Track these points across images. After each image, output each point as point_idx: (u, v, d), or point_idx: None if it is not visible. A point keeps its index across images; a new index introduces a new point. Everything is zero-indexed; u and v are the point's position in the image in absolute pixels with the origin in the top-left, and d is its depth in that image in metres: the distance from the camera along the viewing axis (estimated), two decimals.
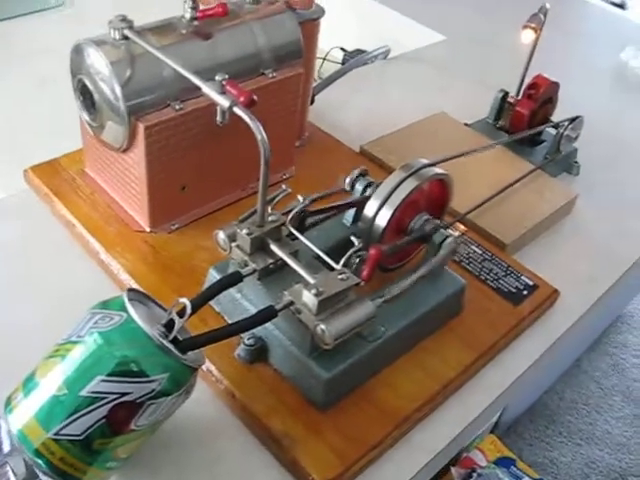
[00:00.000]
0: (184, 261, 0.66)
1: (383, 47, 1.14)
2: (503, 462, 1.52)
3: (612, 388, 1.80)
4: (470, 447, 1.40)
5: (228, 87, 0.51)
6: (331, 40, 1.39)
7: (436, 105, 0.98)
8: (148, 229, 0.69)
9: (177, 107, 0.63)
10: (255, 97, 0.50)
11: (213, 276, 0.60)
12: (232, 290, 0.57)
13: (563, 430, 1.68)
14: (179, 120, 0.63)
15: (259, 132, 0.50)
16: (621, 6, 4.46)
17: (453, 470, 1.34)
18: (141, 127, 0.61)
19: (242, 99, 0.50)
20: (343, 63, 1.36)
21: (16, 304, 0.64)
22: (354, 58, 1.28)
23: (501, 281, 0.69)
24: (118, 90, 0.60)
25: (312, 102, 0.83)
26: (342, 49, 1.40)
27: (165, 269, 0.66)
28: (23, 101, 1.04)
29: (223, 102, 0.51)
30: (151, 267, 0.65)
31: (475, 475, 1.46)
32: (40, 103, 1.03)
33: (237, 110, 0.51)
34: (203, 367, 0.56)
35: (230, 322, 0.60)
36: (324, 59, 1.40)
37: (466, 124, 0.94)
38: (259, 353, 0.57)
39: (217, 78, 0.52)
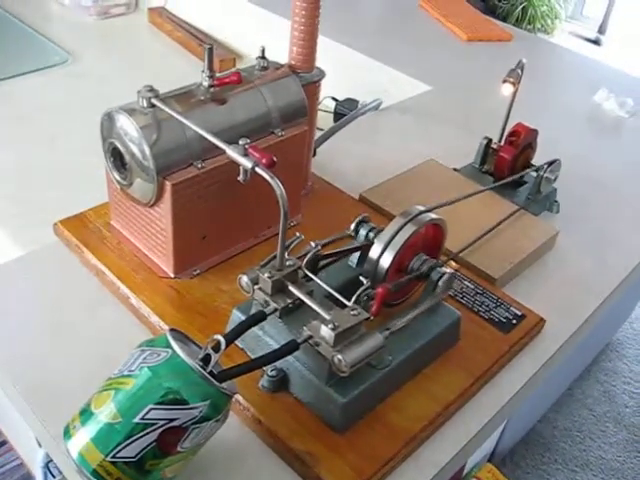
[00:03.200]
0: (207, 303, 0.74)
1: (375, 100, 1.23)
2: None
3: (604, 414, 1.85)
4: (468, 477, 1.45)
5: (250, 150, 0.59)
6: (323, 90, 1.48)
7: (426, 151, 1.07)
8: (172, 275, 0.76)
9: (199, 166, 0.70)
10: (275, 159, 0.58)
11: (237, 316, 0.67)
12: (255, 328, 0.64)
13: (558, 457, 1.72)
14: (201, 177, 0.71)
15: (279, 189, 0.58)
16: (596, 42, 4.60)
17: None
18: (168, 185, 0.69)
19: (264, 161, 0.58)
20: (335, 111, 1.45)
21: (57, 348, 0.70)
22: (349, 109, 1.37)
23: (492, 312, 0.77)
24: (147, 151, 0.67)
25: (314, 154, 0.91)
26: (334, 98, 1.48)
27: (190, 311, 0.73)
28: (35, 158, 1.10)
29: (246, 163, 0.59)
30: (177, 309, 0.73)
31: None
32: (52, 159, 1.09)
33: (259, 170, 0.58)
34: None
35: (252, 356, 0.67)
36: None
37: (455, 169, 1.02)
38: (281, 383, 0.64)
39: (240, 142, 0.60)
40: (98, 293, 0.77)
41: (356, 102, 1.43)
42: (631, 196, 1.10)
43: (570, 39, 4.52)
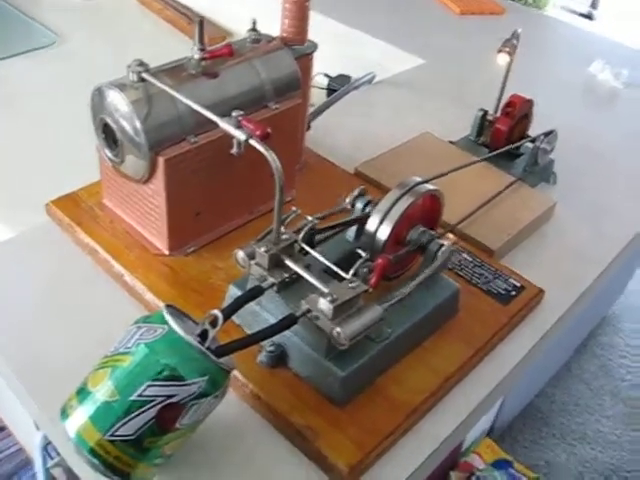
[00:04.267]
0: (202, 280, 0.73)
1: (369, 74, 1.22)
2: (501, 464, 1.57)
3: (601, 388, 1.86)
4: (467, 452, 1.45)
5: (244, 122, 0.58)
6: (315, 66, 1.46)
7: (421, 125, 1.06)
8: (167, 252, 0.75)
9: (192, 140, 0.69)
10: (269, 130, 0.57)
11: (233, 291, 0.67)
12: (251, 303, 0.63)
13: (556, 432, 1.73)
14: (194, 152, 0.70)
15: (274, 161, 0.57)
16: (588, 17, 4.56)
17: (452, 475, 1.40)
18: (161, 160, 0.68)
19: (258, 132, 0.57)
20: (328, 88, 1.43)
21: (51, 329, 0.70)
22: (342, 85, 1.35)
23: (491, 284, 0.76)
24: (139, 126, 0.66)
25: (308, 128, 0.90)
26: (326, 75, 1.47)
27: (185, 288, 0.72)
28: (25, 140, 1.09)
29: (240, 135, 0.58)
30: (172, 287, 0.72)
31: (474, 478, 1.52)
32: (42, 141, 1.08)
33: (253, 142, 0.57)
34: None
35: (249, 332, 0.66)
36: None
37: (451, 142, 1.01)
38: (279, 358, 0.64)
39: (233, 114, 0.58)
40: (92, 272, 0.76)
41: (349, 78, 1.41)
42: (627, 167, 1.09)
43: (562, 13, 4.48)
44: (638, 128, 1.22)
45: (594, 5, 4.62)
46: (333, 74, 1.45)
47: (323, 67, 1.45)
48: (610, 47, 1.56)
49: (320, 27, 1.48)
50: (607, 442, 1.73)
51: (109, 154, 0.72)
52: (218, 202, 0.76)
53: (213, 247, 0.77)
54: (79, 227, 0.78)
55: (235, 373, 0.63)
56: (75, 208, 0.80)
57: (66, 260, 0.77)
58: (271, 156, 0.57)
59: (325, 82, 1.45)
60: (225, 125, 0.59)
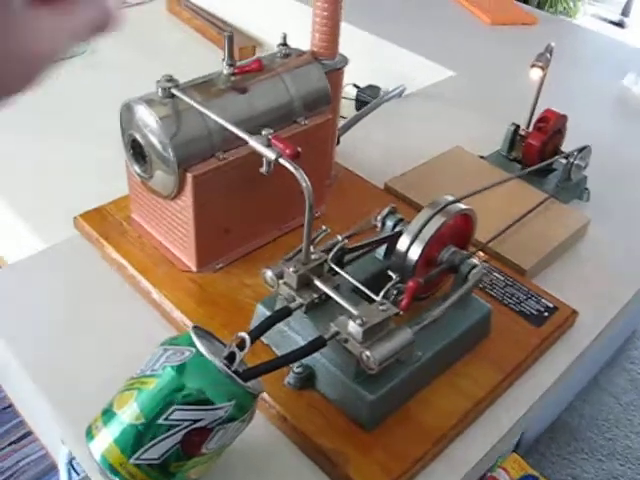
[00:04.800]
0: (230, 297, 0.72)
1: (399, 87, 1.21)
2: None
3: (631, 403, 1.83)
4: (494, 467, 1.43)
5: (274, 141, 0.57)
6: (345, 77, 1.45)
7: (451, 139, 1.04)
8: (195, 269, 0.74)
9: (221, 157, 0.69)
10: (300, 149, 0.56)
11: (261, 311, 0.66)
12: (280, 324, 0.62)
13: (585, 447, 1.70)
14: (223, 169, 0.69)
15: (304, 180, 0.56)
16: (620, 24, 4.51)
17: None
18: (189, 177, 0.67)
19: (288, 152, 0.56)
20: (357, 99, 1.43)
21: (78, 345, 0.69)
22: (371, 96, 1.34)
23: (523, 304, 0.75)
24: (168, 143, 0.66)
25: (338, 143, 0.89)
26: (355, 85, 1.46)
27: (213, 305, 0.71)
28: (54, 151, 1.09)
29: (270, 154, 0.57)
30: (200, 304, 0.71)
31: None
32: (72, 152, 1.08)
33: (283, 161, 0.57)
34: None
35: (278, 353, 0.65)
36: None
37: (481, 157, 1.00)
38: (307, 380, 0.63)
39: (263, 133, 0.58)
40: (119, 288, 0.75)
41: (378, 89, 1.40)
42: None
43: (593, 22, 4.44)
44: None
45: (625, 13, 4.56)
46: (362, 84, 1.44)
47: (352, 78, 1.45)
48: None
49: (349, 37, 1.48)
50: (636, 458, 1.70)
51: (138, 170, 0.71)
52: (247, 219, 0.75)
53: (241, 263, 0.76)
54: (107, 242, 0.77)
55: (262, 395, 0.62)
56: (103, 222, 0.80)
57: (94, 275, 0.77)
58: (301, 175, 0.56)
59: (354, 93, 1.44)
60: (255, 144, 0.58)
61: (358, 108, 1.40)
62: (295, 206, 0.67)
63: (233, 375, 0.51)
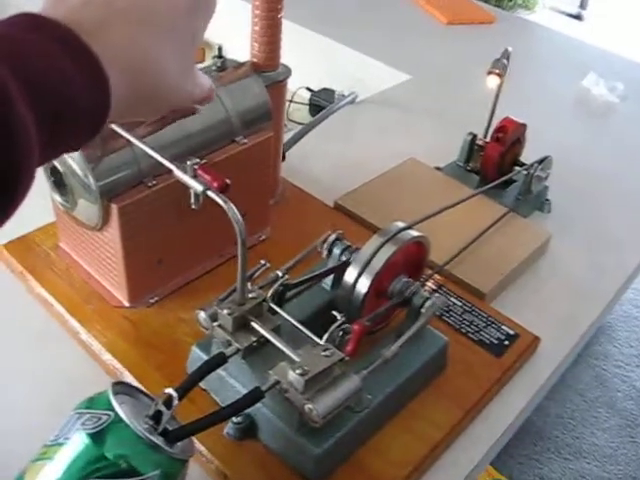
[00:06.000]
0: (166, 336, 0.66)
1: (350, 94, 1.15)
2: None
3: (596, 400, 1.83)
4: None
5: (200, 172, 0.51)
6: (297, 80, 1.40)
7: (406, 148, 0.99)
8: (127, 304, 0.68)
9: (150, 184, 0.62)
10: (229, 181, 0.50)
11: (197, 354, 0.60)
12: (218, 369, 0.57)
13: (551, 446, 1.69)
14: (153, 197, 0.63)
15: (234, 215, 0.50)
16: (578, 17, 4.52)
17: None
18: (115, 207, 0.61)
19: (216, 185, 0.50)
20: (310, 103, 1.37)
21: None
22: (325, 100, 1.29)
23: (482, 332, 0.70)
24: (89, 170, 0.59)
25: (283, 159, 0.83)
26: (308, 89, 1.41)
27: (147, 346, 0.65)
28: None
29: (196, 186, 0.51)
30: (132, 345, 0.65)
31: None
32: None
33: (211, 194, 0.51)
34: None
35: (217, 399, 0.60)
36: (291, 101, 1.41)
37: (437, 168, 0.95)
38: (248, 430, 0.57)
39: (188, 163, 0.52)
40: (46, 326, 0.69)
41: (332, 92, 1.35)
42: (626, 188, 1.03)
43: (551, 15, 4.43)
44: (635, 144, 1.16)
45: (583, 5, 4.56)
46: (316, 87, 1.39)
47: (305, 81, 1.40)
48: (603, 58, 1.49)
49: (302, 40, 1.43)
50: (603, 456, 1.70)
51: (59, 199, 0.65)
52: (182, 247, 0.69)
53: (178, 296, 0.70)
54: (32, 275, 0.71)
55: (200, 448, 0.57)
56: (28, 253, 0.74)
57: (18, 312, 0.70)
58: (231, 210, 0.50)
59: (307, 96, 1.39)
60: (180, 175, 0.52)
61: (312, 113, 1.35)
62: (235, 232, 0.61)
63: (156, 442, 0.45)
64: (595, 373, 1.90)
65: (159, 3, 0.39)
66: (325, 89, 1.38)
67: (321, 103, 1.33)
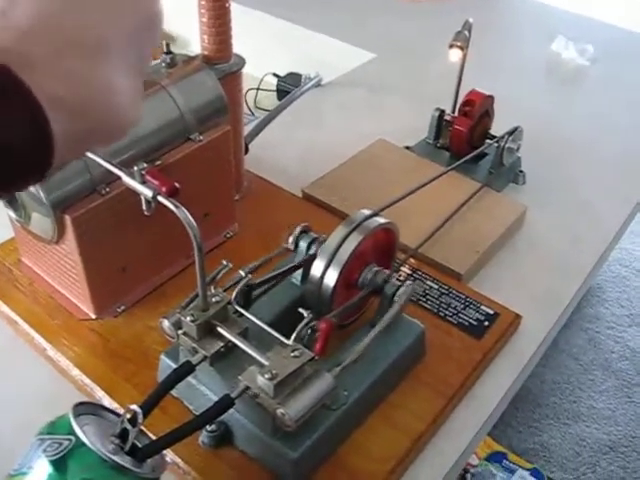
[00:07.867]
0: (134, 346, 0.64)
1: (315, 77, 1.12)
2: (495, 457, 1.52)
3: (591, 363, 1.82)
4: None
5: (148, 177, 0.49)
6: (263, 67, 1.37)
7: (374, 129, 0.97)
8: (93, 316, 0.66)
9: (103, 192, 0.60)
10: (178, 185, 0.48)
11: (166, 363, 0.58)
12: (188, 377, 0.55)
13: (549, 412, 1.69)
14: (107, 204, 0.60)
15: (186, 219, 0.48)
16: None
17: None
18: (68, 218, 0.58)
19: (164, 189, 0.48)
20: (278, 88, 1.35)
21: None
22: (292, 84, 1.26)
23: (461, 315, 0.68)
24: (39, 184, 0.57)
25: (246, 151, 0.81)
26: (275, 74, 1.38)
27: (116, 357, 0.63)
28: None
29: (146, 192, 0.49)
30: (101, 358, 0.63)
31: (469, 476, 1.46)
32: None
33: (161, 199, 0.49)
34: (168, 458, 0.54)
35: (190, 407, 0.58)
36: (258, 88, 1.38)
37: (407, 147, 0.93)
38: (223, 437, 0.55)
39: (136, 168, 0.49)
40: (12, 344, 0.67)
41: (299, 76, 1.32)
42: (601, 153, 1.01)
43: None
44: (608, 107, 1.13)
45: None
46: (282, 73, 1.37)
47: (272, 67, 1.37)
48: (572, 20, 1.47)
49: (263, 25, 1.40)
50: (602, 418, 1.70)
51: (13, 214, 0.62)
52: (146, 253, 0.67)
53: (146, 302, 0.68)
54: None
55: (175, 459, 0.55)
56: None
57: None
58: (182, 213, 0.48)
59: (274, 82, 1.36)
60: (128, 181, 0.50)
61: (280, 98, 1.33)
62: (204, 229, 0.59)
63: (122, 464, 0.43)
64: (588, 336, 1.90)
65: (105, 29, 0.35)
66: (291, 74, 1.35)
67: (288, 88, 1.30)
